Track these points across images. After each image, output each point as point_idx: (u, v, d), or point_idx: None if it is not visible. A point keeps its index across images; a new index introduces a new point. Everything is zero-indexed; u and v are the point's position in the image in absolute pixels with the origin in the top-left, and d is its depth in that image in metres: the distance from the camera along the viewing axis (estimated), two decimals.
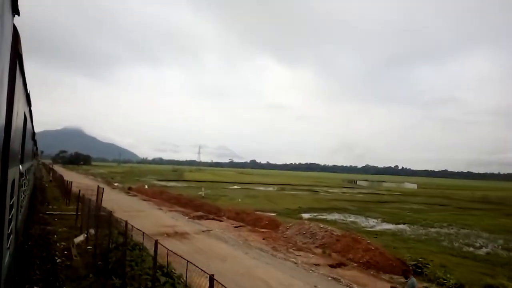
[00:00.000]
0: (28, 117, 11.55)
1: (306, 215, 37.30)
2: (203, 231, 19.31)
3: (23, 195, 11.23)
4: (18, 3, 4.42)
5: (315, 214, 38.74)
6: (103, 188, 21.19)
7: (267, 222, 25.60)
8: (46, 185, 42.80)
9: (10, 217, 5.92)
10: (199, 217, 26.05)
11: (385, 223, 35.40)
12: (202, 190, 52.90)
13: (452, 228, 34.48)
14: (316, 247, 18.71)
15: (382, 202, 57.35)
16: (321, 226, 21.05)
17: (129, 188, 56.85)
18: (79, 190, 19.59)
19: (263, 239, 18.62)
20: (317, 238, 19.82)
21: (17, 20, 4.70)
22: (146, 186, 68.67)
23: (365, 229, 30.62)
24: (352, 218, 37.06)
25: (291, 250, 16.35)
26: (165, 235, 17.80)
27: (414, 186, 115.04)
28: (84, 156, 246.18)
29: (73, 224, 18.20)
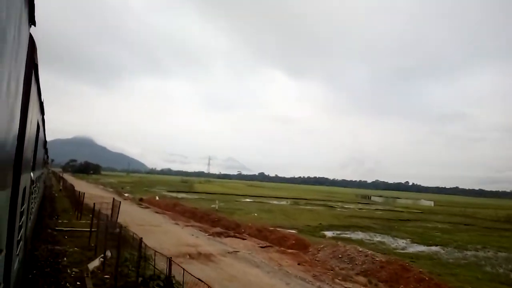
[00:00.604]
0: (41, 126, 11.72)
1: (328, 233, 34.94)
2: (229, 252, 17.18)
3: (33, 202, 11.13)
4: (35, 14, 4.58)
5: (338, 232, 36.34)
6: (120, 202, 19.23)
7: (293, 241, 23.37)
8: (56, 194, 41.11)
9: (20, 223, 5.95)
10: (219, 234, 23.95)
11: (415, 244, 32.82)
12: (216, 203, 50.72)
13: (488, 251, 31.84)
14: (357, 274, 16.45)
15: (403, 220, 54.56)
16: (360, 249, 18.79)
17: (141, 199, 55.04)
18: (94, 204, 17.54)
19: (299, 264, 16.42)
20: (356, 264, 17.56)
21: (33, 30, 4.86)
22: (157, 197, 66.80)
23: (397, 251, 28.14)
24: (378, 238, 34.52)
25: (336, 280, 14.12)
26: (188, 256, 15.75)
27: (431, 203, 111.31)
28: (94, 165, 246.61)
29: (86, 244, 16.25)
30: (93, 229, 16.06)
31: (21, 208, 5.75)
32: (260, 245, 20.53)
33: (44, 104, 12.01)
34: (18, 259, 6.14)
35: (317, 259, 19.13)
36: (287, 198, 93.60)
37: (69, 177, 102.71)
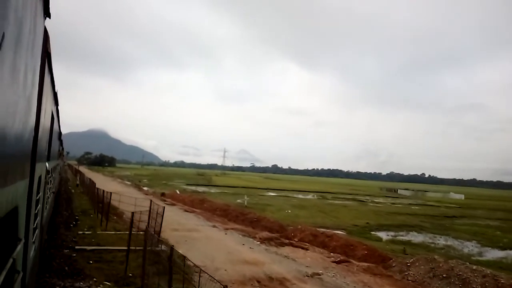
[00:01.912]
0: (55, 116, 11.65)
1: (381, 235, 30.42)
2: (307, 275, 12.67)
3: (48, 192, 11.15)
4: (50, 7, 4.70)
5: (391, 233, 31.77)
6: (164, 208, 14.98)
7: (364, 251, 18.87)
8: (73, 191, 37.05)
9: (36, 212, 6.06)
10: (269, 240, 19.59)
11: (488, 248, 28.06)
12: (244, 198, 46.48)
13: None
14: None
15: (449, 217, 49.55)
16: (473, 267, 14.15)
17: (162, 194, 51.09)
18: (132, 214, 12.75)
19: None
20: None
21: (48, 22, 5.00)
22: (178, 192, 63.09)
23: (476, 258, 23.47)
24: (441, 241, 29.79)
25: None
26: (255, 282, 11.35)
27: (461, 196, 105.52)
28: (109, 158, 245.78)
29: (122, 272, 11.11)
30: (131, 247, 11.33)
31: (36, 197, 5.83)
32: (332, 258, 16.09)
33: (58, 96, 11.90)
34: (34, 247, 6.24)
35: (410, 278, 14.61)
36: (310, 192, 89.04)
37: (84, 170, 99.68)
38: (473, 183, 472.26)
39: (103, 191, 19.26)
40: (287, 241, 19.76)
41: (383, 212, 47.56)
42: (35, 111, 4.59)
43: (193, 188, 78.22)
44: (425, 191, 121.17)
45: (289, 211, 42.19)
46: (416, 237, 30.67)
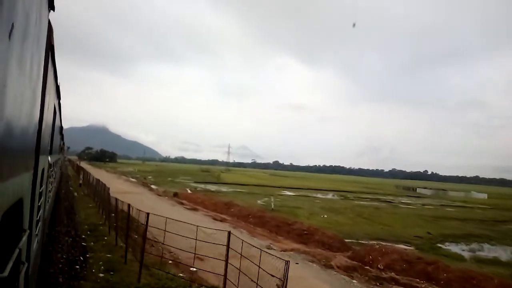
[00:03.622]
0: (57, 110, 11.58)
1: (455, 249, 24.76)
2: None
3: (50, 186, 11.24)
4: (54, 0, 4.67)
5: (463, 247, 26.10)
6: (287, 264, 9.12)
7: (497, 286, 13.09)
8: (75, 193, 30.82)
9: (39, 204, 6.06)
10: (354, 271, 13.84)
11: None
12: (270, 200, 40.68)
13: None
14: None
15: (499, 221, 43.82)
16: None
17: (175, 195, 45.33)
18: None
19: None
20: None
21: (52, 15, 4.93)
22: (189, 191, 57.52)
23: None
24: None
25: None
26: None
27: (484, 196, 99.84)
28: (110, 153, 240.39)
29: None
30: None
31: (40, 189, 5.83)
32: None
33: (61, 91, 11.77)
34: (37, 239, 6.19)
35: None
36: (327, 191, 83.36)
37: (86, 166, 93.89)
38: (476, 180, 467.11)
39: (129, 207, 13.12)
40: (386, 275, 13.96)
41: (428, 217, 41.76)
42: (40, 104, 4.67)
43: (202, 186, 72.54)
44: (443, 189, 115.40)
45: (325, 216, 36.44)
46: (495, 252, 24.99)
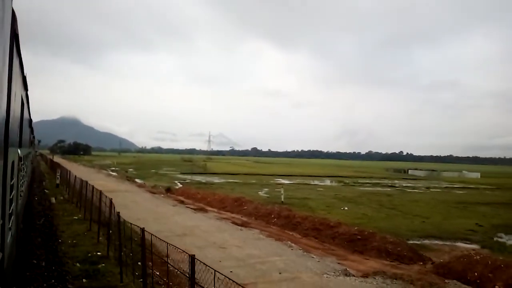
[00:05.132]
0: (25, 102, 11.23)
1: None
2: None
3: (22, 180, 10.99)
4: None
5: None
6: None
7: None
8: (53, 200, 23.74)
9: (11, 197, 5.97)
10: None
11: None
12: (281, 191, 35.64)
13: None
14: None
15: None
16: None
17: (168, 190, 39.76)
18: None
19: None
20: None
21: (15, 2, 4.79)
22: (179, 184, 52.11)
23: None
24: None
25: None
26: None
27: (477, 175, 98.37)
28: (83, 146, 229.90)
29: None
30: None
31: (10, 182, 5.67)
32: None
33: (29, 83, 11.16)
34: (11, 233, 6.09)
35: None
36: (322, 177, 79.35)
37: (60, 160, 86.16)
38: (450, 159, 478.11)
39: (143, 232, 7.59)
40: None
41: (452, 203, 37.87)
42: (6, 95, 4.50)
43: (190, 177, 66.90)
44: (433, 170, 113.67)
45: (345, 208, 31.87)
46: None
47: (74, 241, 13.40)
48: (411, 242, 19.74)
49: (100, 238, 13.27)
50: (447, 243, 20.67)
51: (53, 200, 22.55)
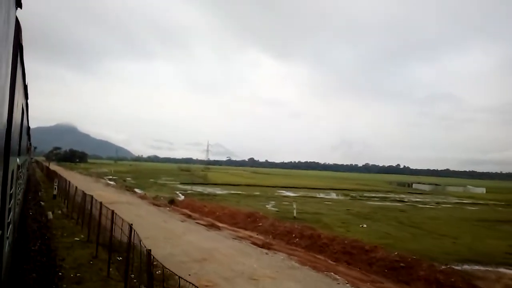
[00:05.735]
0: (25, 110, 11.24)
1: None
2: None
3: (19, 188, 11.01)
4: None
5: None
6: None
7: None
8: (50, 214, 20.87)
9: (9, 206, 5.83)
10: None
11: None
12: (293, 206, 33.46)
13: None
14: None
15: None
16: None
17: (171, 202, 37.49)
18: None
19: None
20: None
21: (19, 13, 4.72)
22: (181, 195, 49.80)
23: None
24: None
25: None
26: None
27: (482, 190, 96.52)
28: (80, 153, 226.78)
29: None
30: None
31: (10, 191, 5.57)
32: None
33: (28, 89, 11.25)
34: (8, 242, 5.99)
35: None
36: (326, 189, 77.17)
37: (56, 168, 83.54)
38: (447, 173, 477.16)
39: (163, 271, 5.49)
40: None
41: (473, 221, 35.82)
42: (8, 104, 4.47)
43: (190, 187, 64.60)
44: (437, 184, 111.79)
45: (364, 225, 29.71)
46: None
47: (78, 274, 10.95)
48: (454, 267, 17.66)
49: (111, 269, 10.84)
50: (489, 268, 18.60)
51: (50, 215, 20.09)
